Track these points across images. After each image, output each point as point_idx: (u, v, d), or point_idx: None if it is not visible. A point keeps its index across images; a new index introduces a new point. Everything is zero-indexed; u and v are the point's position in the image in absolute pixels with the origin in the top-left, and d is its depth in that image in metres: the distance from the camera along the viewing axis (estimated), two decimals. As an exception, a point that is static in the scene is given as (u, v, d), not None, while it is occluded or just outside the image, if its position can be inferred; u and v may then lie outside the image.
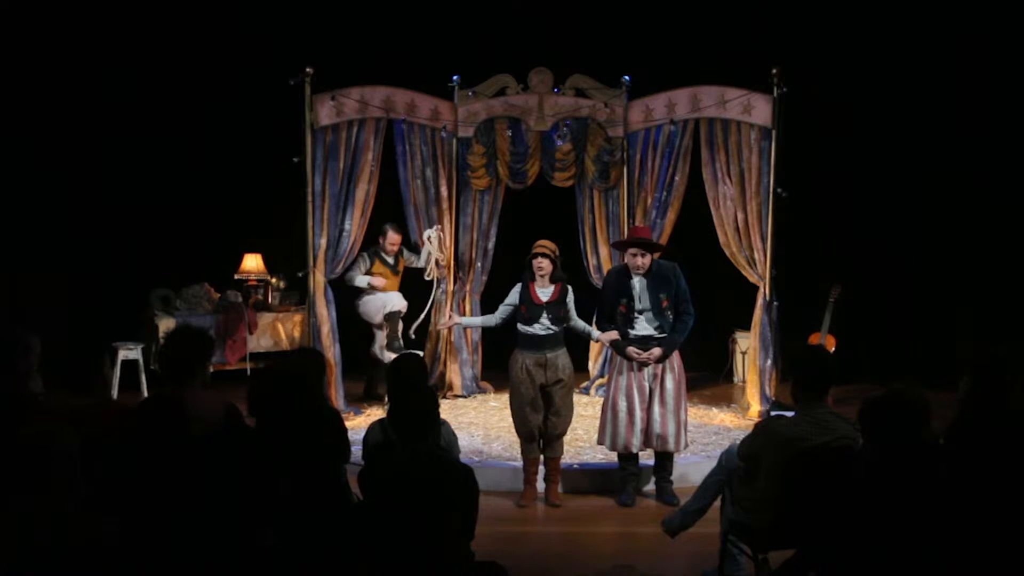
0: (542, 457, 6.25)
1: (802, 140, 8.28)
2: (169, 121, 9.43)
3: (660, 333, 6.10)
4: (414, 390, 4.01)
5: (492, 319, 6.42)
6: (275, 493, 3.62)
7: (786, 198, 7.96)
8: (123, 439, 3.59)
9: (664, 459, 6.28)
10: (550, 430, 6.14)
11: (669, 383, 6.14)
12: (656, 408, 6.12)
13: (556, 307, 6.10)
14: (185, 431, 3.59)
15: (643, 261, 6.08)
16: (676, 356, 6.22)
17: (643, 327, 6.12)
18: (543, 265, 6.09)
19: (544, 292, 6.13)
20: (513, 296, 6.23)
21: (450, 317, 6.47)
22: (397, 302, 8.52)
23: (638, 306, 6.10)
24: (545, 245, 6.14)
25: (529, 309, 6.11)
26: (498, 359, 9.37)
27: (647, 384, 6.13)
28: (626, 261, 6.19)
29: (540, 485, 6.29)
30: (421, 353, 8.34)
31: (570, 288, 6.22)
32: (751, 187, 8.07)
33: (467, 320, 6.36)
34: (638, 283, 6.12)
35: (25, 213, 9.20)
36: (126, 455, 3.51)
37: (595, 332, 6.38)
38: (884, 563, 3.49)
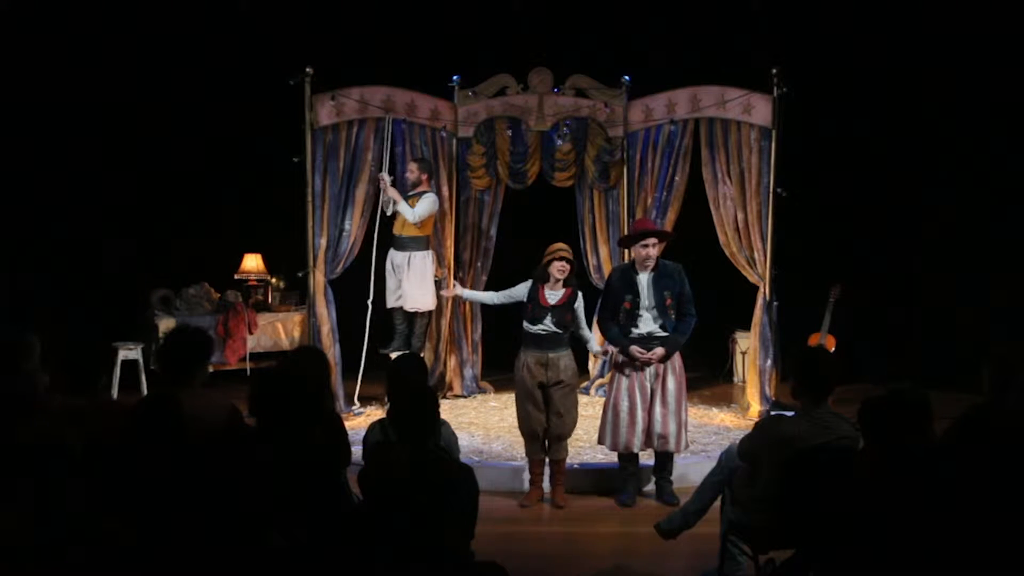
0: (547, 459, 6.26)
1: (802, 140, 8.27)
2: (169, 121, 9.44)
3: (663, 331, 6.11)
4: (414, 390, 4.01)
5: (492, 297, 6.48)
6: (275, 493, 3.62)
7: (786, 198, 7.96)
8: (123, 439, 3.59)
9: (664, 459, 6.28)
10: (552, 431, 6.15)
11: (671, 383, 6.15)
12: (657, 408, 6.13)
13: (562, 311, 6.12)
14: (182, 431, 3.59)
15: (655, 252, 6.11)
16: (677, 356, 6.22)
17: (646, 325, 6.12)
18: (564, 269, 6.12)
19: (553, 295, 6.14)
20: (520, 290, 6.27)
21: (452, 287, 6.58)
22: (413, 299, 8.23)
23: (643, 303, 6.11)
24: (566, 249, 6.16)
25: (535, 309, 6.15)
26: (498, 359, 9.41)
27: (648, 384, 6.14)
28: (635, 255, 6.19)
29: (546, 486, 6.30)
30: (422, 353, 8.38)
31: (579, 294, 6.22)
32: (751, 187, 8.07)
33: (468, 293, 6.45)
34: (644, 279, 6.13)
35: (25, 213, 9.20)
36: (125, 455, 3.51)
37: (595, 346, 6.31)
38: (884, 563, 3.49)
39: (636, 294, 6.12)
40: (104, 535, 3.00)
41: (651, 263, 6.11)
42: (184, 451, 3.52)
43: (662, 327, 6.11)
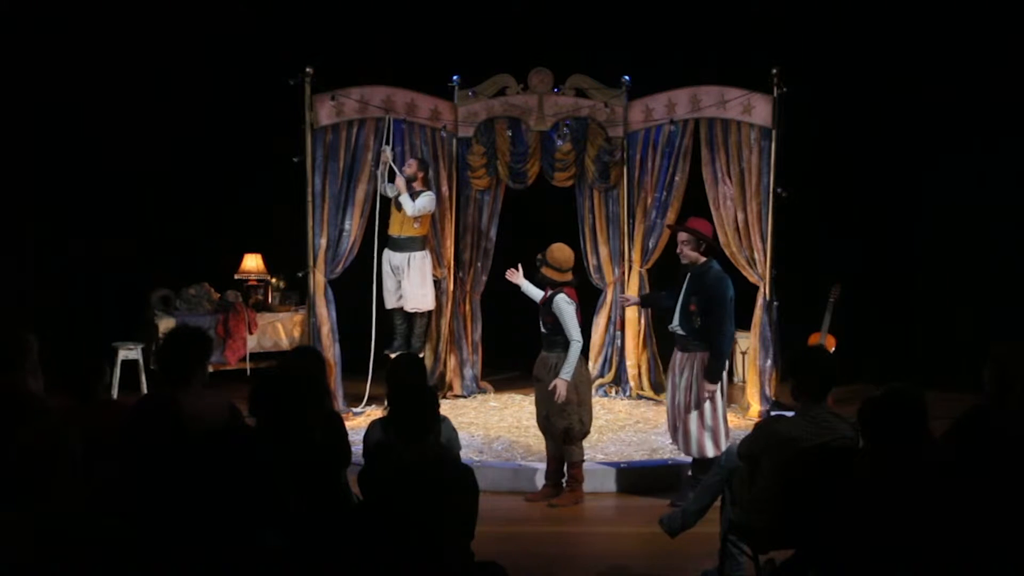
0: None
1: (802, 140, 8.27)
2: (170, 121, 9.43)
3: (682, 331, 6.13)
4: (414, 390, 4.01)
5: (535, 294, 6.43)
6: (275, 493, 3.62)
7: (786, 198, 7.96)
8: (123, 439, 3.59)
9: (695, 464, 6.23)
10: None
11: (683, 384, 6.12)
12: (671, 404, 6.20)
13: (543, 311, 6.17)
14: (180, 430, 3.59)
15: (684, 250, 6.12)
16: (699, 363, 6.10)
17: (674, 320, 6.19)
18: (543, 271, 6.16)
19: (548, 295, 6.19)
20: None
21: (518, 272, 6.61)
22: (414, 299, 8.26)
23: (678, 300, 6.16)
24: (544, 250, 6.15)
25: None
26: (498, 359, 9.42)
27: (678, 384, 6.17)
28: None
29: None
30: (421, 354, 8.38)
31: (561, 300, 6.01)
32: (751, 187, 8.07)
33: (527, 286, 6.47)
34: (685, 278, 6.17)
35: (25, 213, 9.20)
36: (125, 455, 3.51)
37: (564, 373, 5.99)
38: (884, 563, 3.49)
39: (678, 290, 6.20)
40: (104, 535, 2.99)
41: (684, 260, 6.15)
42: (183, 451, 3.52)
43: (679, 327, 6.13)
